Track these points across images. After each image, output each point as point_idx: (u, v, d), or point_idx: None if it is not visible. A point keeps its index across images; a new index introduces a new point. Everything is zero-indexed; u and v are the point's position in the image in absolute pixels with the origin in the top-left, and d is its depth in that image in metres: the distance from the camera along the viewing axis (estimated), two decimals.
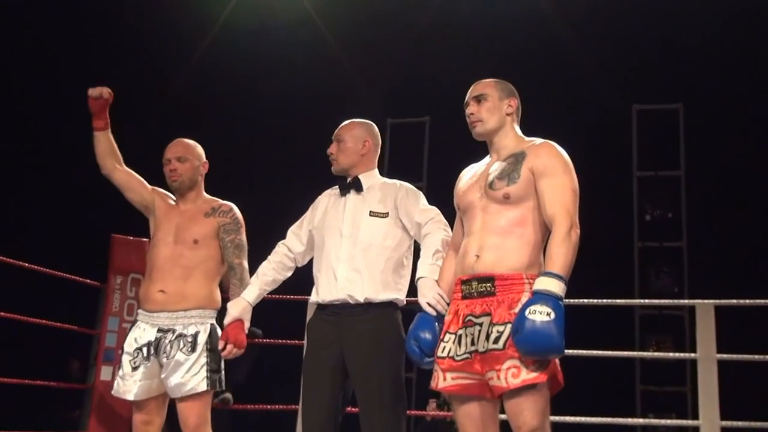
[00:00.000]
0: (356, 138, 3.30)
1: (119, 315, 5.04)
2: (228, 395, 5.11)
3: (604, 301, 4.76)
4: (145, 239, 5.14)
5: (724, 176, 8.45)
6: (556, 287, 2.46)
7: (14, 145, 8.50)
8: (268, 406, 5.24)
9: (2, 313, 4.72)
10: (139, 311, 3.46)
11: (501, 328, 2.51)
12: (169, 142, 3.56)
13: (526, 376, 2.47)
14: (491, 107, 2.80)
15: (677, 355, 7.09)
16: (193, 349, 3.29)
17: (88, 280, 5.21)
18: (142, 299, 3.44)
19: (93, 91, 3.44)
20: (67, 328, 5.14)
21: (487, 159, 2.87)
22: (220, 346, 3.23)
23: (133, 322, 3.46)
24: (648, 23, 8.31)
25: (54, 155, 8.50)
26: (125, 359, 3.36)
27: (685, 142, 8.98)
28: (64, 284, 5.20)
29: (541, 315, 2.40)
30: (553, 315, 2.41)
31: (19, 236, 7.79)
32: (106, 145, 3.51)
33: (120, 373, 3.37)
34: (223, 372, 3.37)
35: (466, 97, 2.86)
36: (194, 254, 3.40)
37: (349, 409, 3.23)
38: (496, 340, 2.51)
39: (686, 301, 7.90)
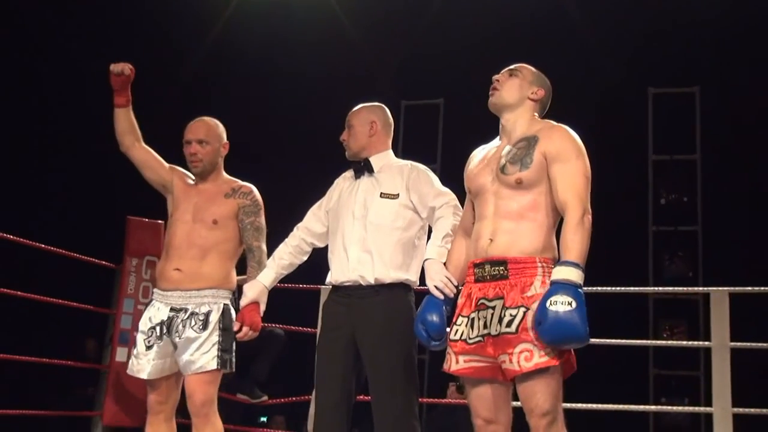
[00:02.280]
0: (363, 121, 3.32)
1: (134, 297, 5.07)
2: (265, 396, 5.12)
3: (618, 288, 4.75)
4: (160, 221, 5.16)
5: (740, 160, 8.39)
6: (575, 275, 2.46)
7: (31, 126, 8.53)
8: (282, 400, 5.27)
9: (20, 293, 4.76)
10: (154, 290, 3.45)
11: (514, 312, 2.52)
12: (182, 120, 3.53)
13: (539, 359, 2.47)
14: (517, 84, 2.78)
15: (691, 343, 7.08)
16: (205, 327, 3.26)
17: (104, 262, 5.24)
18: (158, 277, 3.43)
19: (115, 67, 3.41)
20: (83, 308, 5.17)
21: (497, 140, 2.85)
22: (236, 328, 3.25)
23: (149, 302, 3.46)
24: (665, 5, 8.24)
25: (71, 136, 8.52)
26: (140, 338, 3.35)
27: (702, 126, 8.90)
28: (81, 265, 5.23)
29: (563, 305, 2.40)
30: (574, 304, 2.41)
31: (37, 217, 7.83)
32: (126, 123, 3.48)
33: (134, 351, 3.37)
34: (234, 354, 3.34)
35: None
36: (212, 234, 3.37)
37: (360, 396, 3.25)
38: (508, 324, 2.51)
39: (701, 288, 7.87)
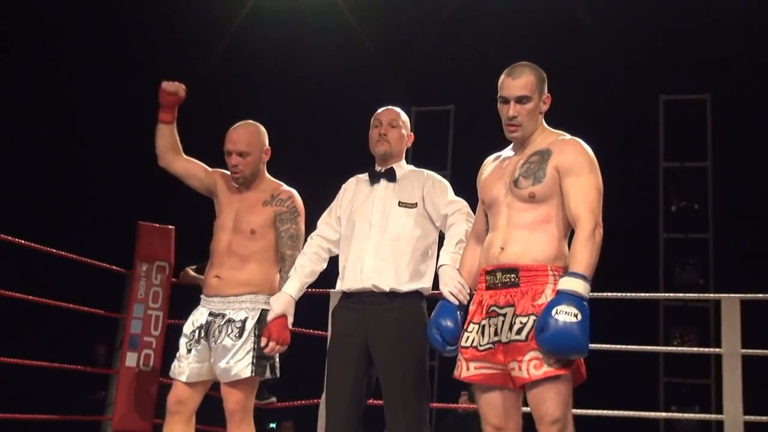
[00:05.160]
0: (407, 128, 3.37)
1: (144, 302, 5.07)
2: (273, 398, 5.11)
3: (628, 294, 4.74)
4: (171, 227, 5.18)
5: (751, 167, 8.37)
6: (581, 288, 2.46)
7: (44, 132, 8.57)
8: (293, 403, 5.26)
9: (31, 297, 4.78)
10: (201, 296, 3.45)
11: (524, 320, 2.52)
12: (197, 125, 3.53)
13: (548, 367, 2.47)
14: (533, 110, 2.72)
15: (702, 350, 7.05)
16: (240, 334, 3.26)
17: (114, 267, 5.25)
18: (203, 283, 3.44)
19: (169, 86, 3.41)
20: (93, 312, 5.19)
21: (510, 150, 2.84)
22: (263, 343, 3.19)
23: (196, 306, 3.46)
24: (676, 12, 8.23)
25: (83, 142, 8.56)
26: (182, 341, 3.37)
27: (713, 133, 8.89)
28: (91, 270, 5.24)
29: (567, 315, 2.40)
30: (579, 316, 2.41)
31: (48, 222, 7.87)
32: (169, 139, 3.48)
33: (177, 354, 3.38)
34: (277, 359, 3.31)
35: (505, 91, 2.73)
36: (251, 244, 3.36)
37: (371, 401, 3.25)
38: (519, 332, 2.51)
39: (712, 295, 7.84)
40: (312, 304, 4.79)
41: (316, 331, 4.86)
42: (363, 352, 3.12)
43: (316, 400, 4.55)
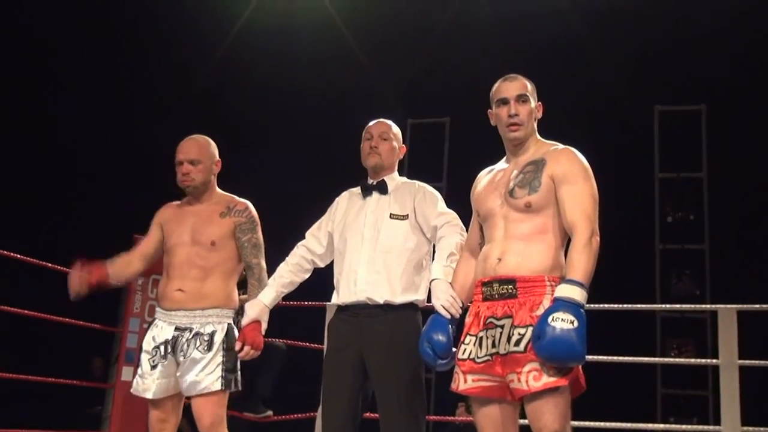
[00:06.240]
0: (398, 141, 3.37)
1: (140, 316, 5.08)
2: (269, 412, 5.12)
3: (625, 306, 4.73)
4: None
5: (747, 178, 8.37)
6: (578, 295, 2.45)
7: (39, 142, 8.56)
8: (290, 416, 5.25)
9: (27, 312, 4.77)
10: (157, 309, 3.45)
11: (522, 331, 2.51)
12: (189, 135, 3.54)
13: (548, 379, 2.46)
14: (531, 111, 2.77)
15: (699, 361, 7.03)
16: (210, 347, 3.28)
17: None
18: (160, 297, 3.44)
19: (75, 297, 3.51)
20: (89, 326, 5.17)
21: (503, 162, 2.85)
22: (237, 347, 3.24)
23: (152, 321, 3.46)
24: (671, 23, 8.26)
25: (79, 157, 8.56)
26: (144, 358, 3.37)
27: (708, 144, 8.91)
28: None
29: (563, 322, 2.40)
30: (576, 323, 2.40)
31: (42, 236, 7.85)
32: (130, 273, 3.60)
33: (139, 371, 3.38)
34: (239, 372, 3.35)
35: (503, 93, 2.77)
36: (212, 255, 3.38)
37: (367, 414, 3.24)
38: (517, 343, 2.50)
39: (708, 306, 7.84)
40: (308, 317, 4.80)
41: (312, 345, 4.86)
42: (358, 364, 3.12)
43: (312, 414, 4.54)
